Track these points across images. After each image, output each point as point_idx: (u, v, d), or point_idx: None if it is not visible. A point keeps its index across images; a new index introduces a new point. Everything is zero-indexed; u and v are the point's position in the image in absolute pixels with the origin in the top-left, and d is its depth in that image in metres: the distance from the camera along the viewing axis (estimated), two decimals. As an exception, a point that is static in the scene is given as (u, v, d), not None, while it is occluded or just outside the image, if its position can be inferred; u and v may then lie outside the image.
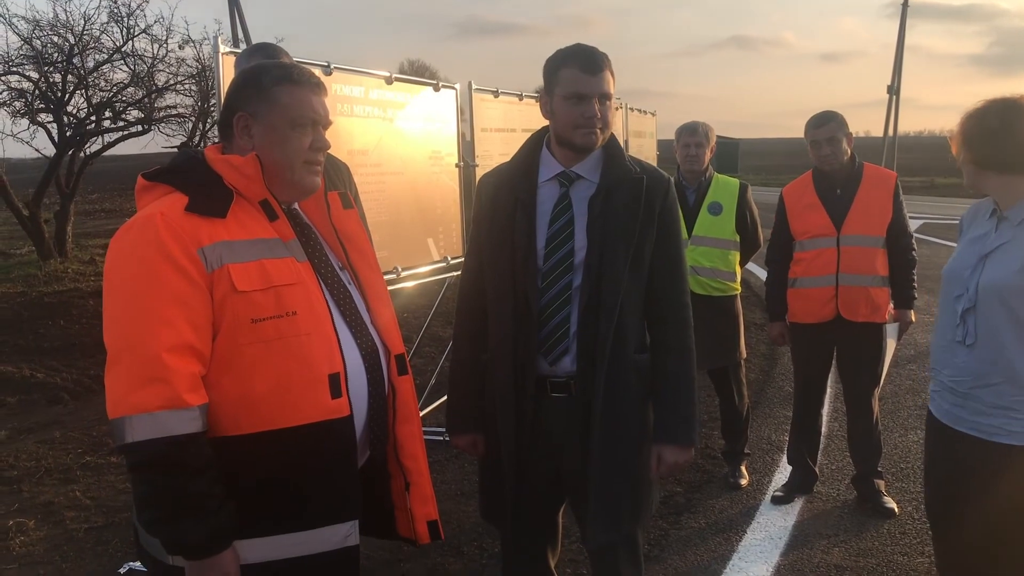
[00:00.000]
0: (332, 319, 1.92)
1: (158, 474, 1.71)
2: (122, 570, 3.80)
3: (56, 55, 12.67)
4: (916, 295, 4.33)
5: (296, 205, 2.06)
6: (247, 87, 1.95)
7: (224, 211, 1.84)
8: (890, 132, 33.50)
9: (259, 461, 1.81)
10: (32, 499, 4.69)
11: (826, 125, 4.15)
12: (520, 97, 6.66)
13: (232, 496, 1.78)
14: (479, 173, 5.78)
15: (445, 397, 5.63)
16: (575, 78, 2.33)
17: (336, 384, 1.87)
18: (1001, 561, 2.52)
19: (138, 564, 3.81)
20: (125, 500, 4.63)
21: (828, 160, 4.17)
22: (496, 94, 6.28)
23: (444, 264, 5.75)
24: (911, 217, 4.47)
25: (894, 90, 32.67)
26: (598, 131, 2.34)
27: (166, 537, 1.77)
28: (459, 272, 5.73)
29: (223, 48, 3.69)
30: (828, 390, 4.93)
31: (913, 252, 4.27)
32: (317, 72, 3.77)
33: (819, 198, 4.24)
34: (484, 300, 2.51)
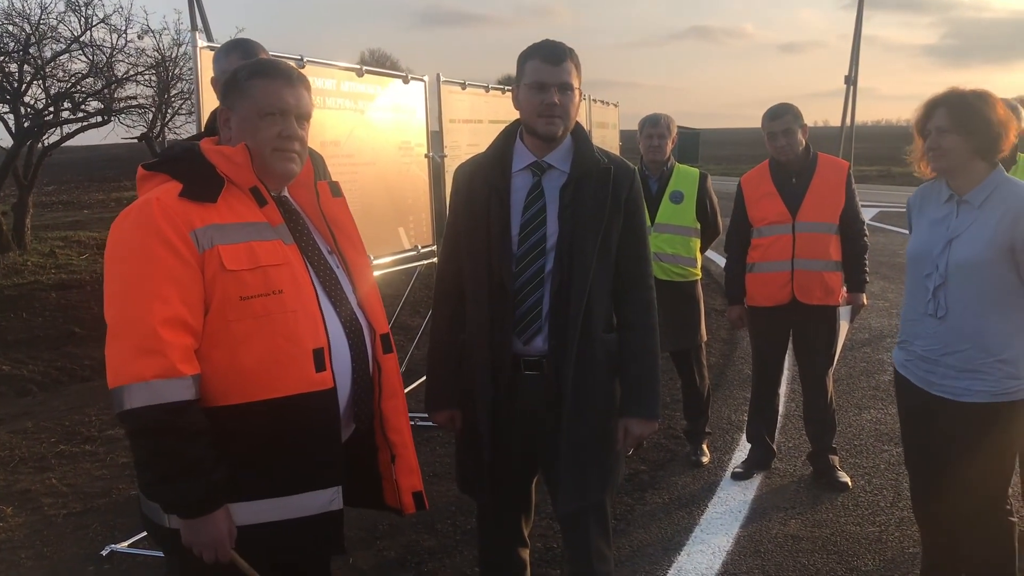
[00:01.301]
0: (317, 298, 2.05)
1: (155, 438, 1.84)
2: (104, 552, 3.87)
3: (12, 45, 12.49)
4: (868, 279, 4.54)
5: (286, 192, 2.18)
6: (228, 84, 2.12)
7: (215, 197, 1.98)
8: (848, 122, 33.96)
9: (248, 429, 1.95)
10: (8, 487, 4.73)
11: (781, 117, 4.33)
12: (487, 89, 6.77)
13: (223, 462, 1.91)
14: (448, 163, 5.90)
15: (417, 383, 5.77)
16: (537, 68, 2.47)
17: (320, 358, 2.01)
18: (972, 502, 2.88)
19: (120, 546, 3.90)
20: (102, 486, 4.70)
21: (784, 151, 4.36)
22: (464, 86, 6.39)
23: (415, 252, 5.86)
24: (867, 206, 4.69)
25: (851, 80, 33.15)
26: (558, 120, 2.47)
27: (163, 497, 1.91)
28: (429, 260, 5.87)
29: (201, 43, 3.77)
30: (785, 372, 5.14)
31: (865, 238, 4.48)
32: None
33: (775, 187, 4.43)
34: (460, 284, 2.64)
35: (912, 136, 2.96)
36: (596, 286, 2.50)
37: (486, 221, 2.52)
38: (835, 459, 4.60)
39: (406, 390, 5.90)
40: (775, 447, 4.84)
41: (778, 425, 4.95)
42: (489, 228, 2.51)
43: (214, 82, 3.00)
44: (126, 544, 3.91)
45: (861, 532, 3.98)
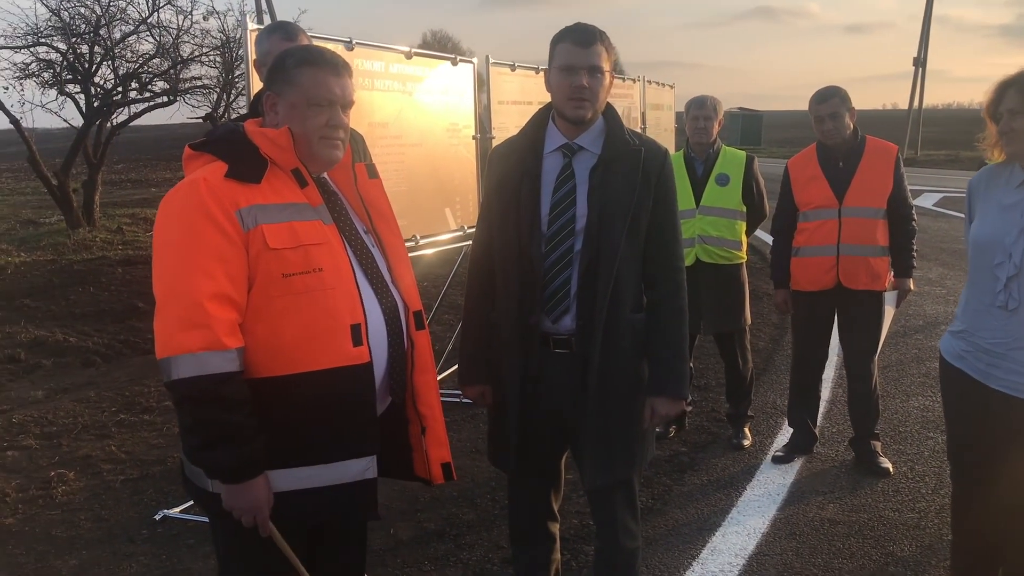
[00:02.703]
0: (355, 276, 2.14)
1: (199, 407, 1.94)
2: (157, 516, 4.06)
3: (83, 26, 12.91)
4: (915, 264, 4.48)
5: (325, 174, 2.26)
6: (274, 70, 2.18)
7: (259, 178, 2.07)
8: (915, 104, 32.93)
9: (288, 400, 2.04)
10: (71, 453, 4.98)
11: (828, 101, 4.28)
12: (537, 70, 6.79)
13: (264, 431, 2.01)
14: (495, 144, 5.96)
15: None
16: (567, 51, 2.50)
17: (357, 334, 2.09)
18: (1018, 499, 2.73)
19: (173, 511, 4.08)
20: (158, 454, 4.90)
21: (831, 134, 4.31)
22: (513, 67, 6.43)
23: (461, 233, 5.94)
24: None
25: (921, 62, 32.14)
26: (586, 103, 2.50)
27: (206, 463, 2.01)
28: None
29: (251, 25, 3.89)
30: (832, 357, 5.10)
31: (913, 223, 4.41)
32: (339, 48, 3.93)
33: (822, 171, 4.39)
34: (493, 263, 2.70)
35: (984, 121, 2.80)
36: (624, 267, 2.54)
37: (517, 201, 2.57)
38: (877, 445, 4.57)
39: (453, 368, 6.04)
40: (817, 432, 4.82)
41: (822, 410, 4.92)
42: (520, 208, 2.56)
43: (256, 64, 3.09)
44: (178, 510, 4.10)
45: (899, 518, 3.96)
